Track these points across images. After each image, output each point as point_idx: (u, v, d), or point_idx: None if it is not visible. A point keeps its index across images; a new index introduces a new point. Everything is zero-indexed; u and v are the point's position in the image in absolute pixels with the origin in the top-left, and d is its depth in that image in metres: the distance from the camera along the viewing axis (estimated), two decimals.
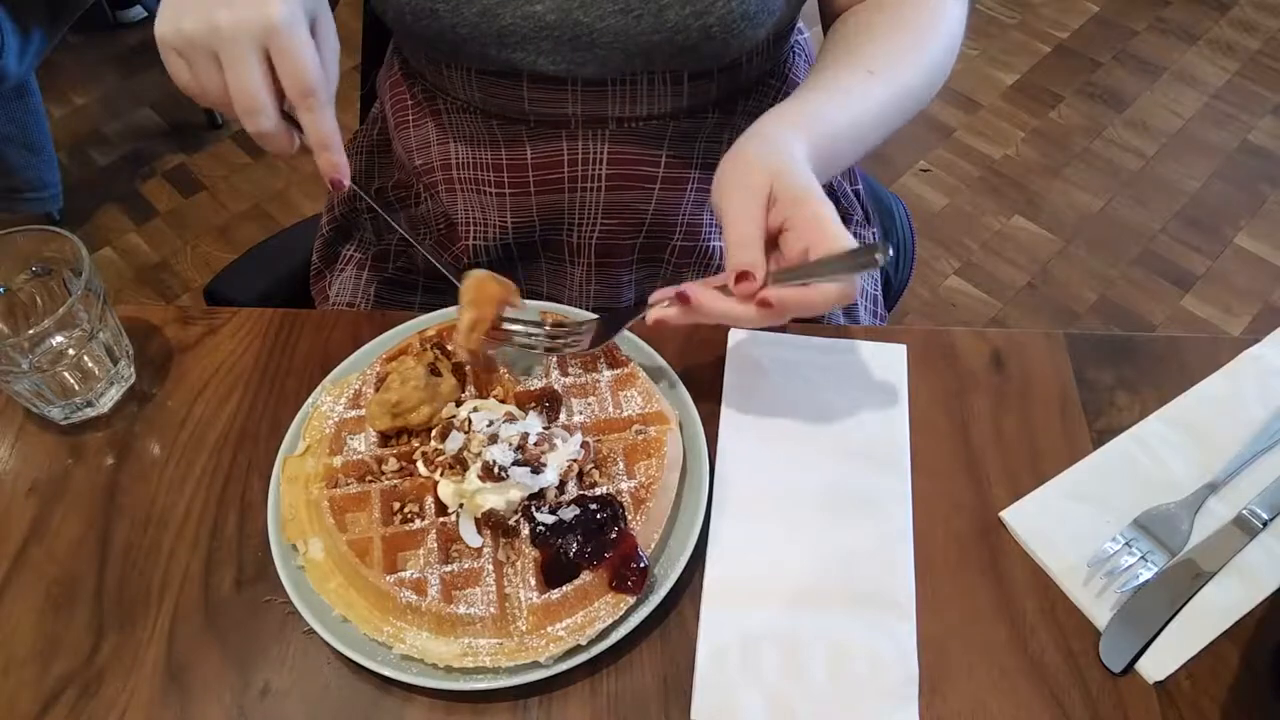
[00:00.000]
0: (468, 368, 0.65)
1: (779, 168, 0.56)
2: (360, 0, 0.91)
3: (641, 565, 0.56)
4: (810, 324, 0.72)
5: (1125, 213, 2.03)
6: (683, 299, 0.57)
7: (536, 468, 0.57)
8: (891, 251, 0.55)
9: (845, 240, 0.53)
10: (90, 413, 0.68)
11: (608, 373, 0.65)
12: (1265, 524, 0.60)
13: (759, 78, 0.79)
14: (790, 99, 0.63)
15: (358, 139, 0.92)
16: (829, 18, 0.75)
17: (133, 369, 0.70)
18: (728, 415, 0.66)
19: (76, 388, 0.66)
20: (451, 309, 0.71)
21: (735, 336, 0.71)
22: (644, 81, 0.73)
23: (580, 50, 0.68)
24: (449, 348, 0.67)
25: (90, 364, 0.66)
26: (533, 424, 0.60)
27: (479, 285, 0.62)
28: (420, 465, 0.60)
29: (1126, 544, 0.59)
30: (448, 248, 0.84)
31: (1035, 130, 2.19)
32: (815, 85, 0.64)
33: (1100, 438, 0.65)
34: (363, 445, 0.62)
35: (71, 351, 0.64)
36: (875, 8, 0.71)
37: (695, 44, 0.67)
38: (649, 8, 0.65)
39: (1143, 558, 0.59)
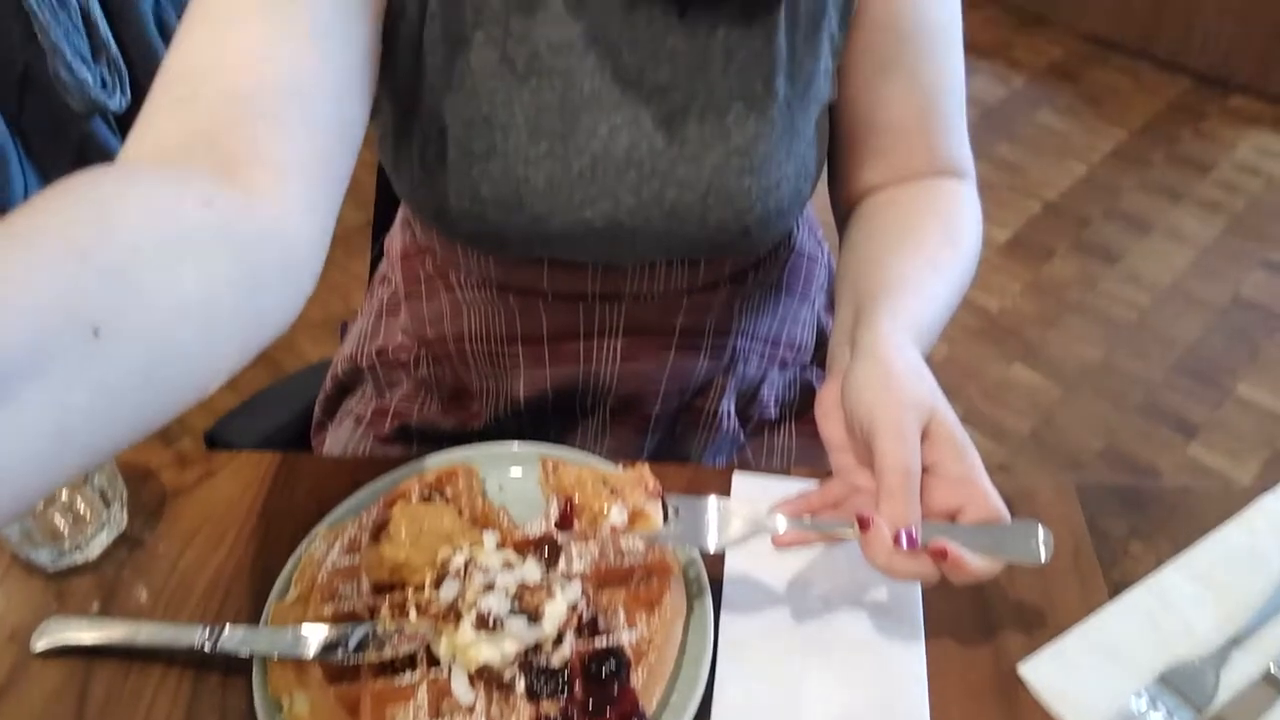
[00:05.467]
0: (464, 512, 0.64)
1: (934, 405, 0.54)
2: (374, 156, 0.94)
3: None
4: (817, 473, 0.71)
5: (1125, 362, 2.04)
6: (864, 524, 0.53)
7: (534, 618, 0.55)
8: (1051, 550, 0.54)
9: (1002, 510, 0.52)
10: (78, 558, 0.66)
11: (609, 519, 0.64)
12: None
13: (769, 251, 0.81)
14: (887, 300, 0.61)
15: (364, 299, 0.94)
16: (847, 200, 0.77)
17: (125, 513, 0.69)
18: (733, 563, 0.64)
19: (65, 532, 0.65)
20: (450, 451, 0.70)
21: (740, 482, 0.70)
22: (662, 264, 0.75)
23: (620, 248, 0.70)
24: (448, 493, 0.66)
25: (82, 507, 0.65)
26: (531, 571, 0.58)
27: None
28: (413, 614, 0.58)
29: (1151, 701, 0.56)
30: (454, 413, 0.84)
31: (1031, 283, 2.23)
32: (898, 286, 0.63)
33: (1116, 588, 0.63)
34: (355, 593, 0.61)
35: (64, 494, 0.64)
36: (908, 195, 0.72)
37: (732, 240, 0.69)
38: (693, 212, 0.67)
39: (1169, 715, 0.56)
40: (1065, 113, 2.75)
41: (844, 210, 0.77)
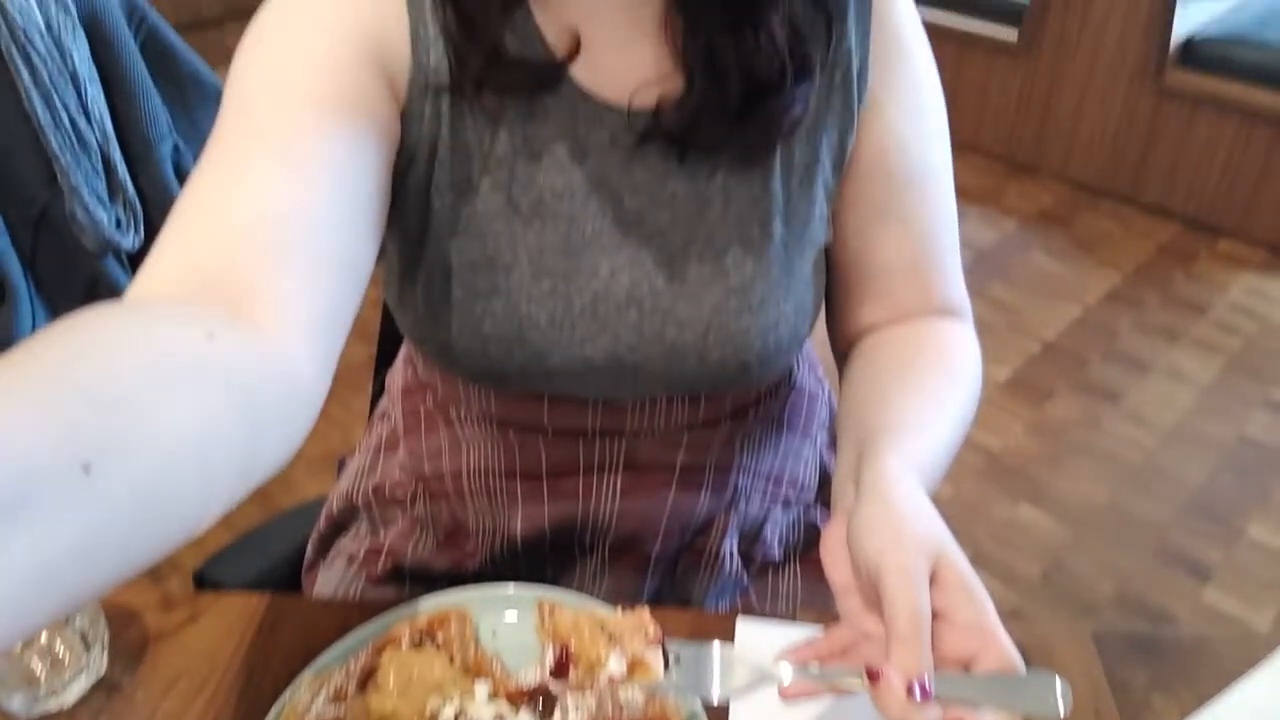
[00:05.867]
0: (455, 659, 0.62)
1: (943, 547, 0.53)
2: (380, 293, 0.95)
3: None
4: (824, 617, 0.69)
5: (1133, 504, 2.01)
6: (873, 676, 0.50)
7: None
8: (1070, 704, 0.51)
9: (1017, 660, 0.50)
10: (53, 704, 0.63)
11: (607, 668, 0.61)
12: None
13: (769, 388, 0.81)
14: (891, 438, 0.60)
15: (363, 435, 0.93)
16: (846, 338, 0.78)
17: (105, 657, 0.66)
18: (738, 715, 0.61)
19: (42, 677, 0.62)
20: (443, 594, 0.68)
21: (744, 628, 0.67)
22: (662, 401, 0.75)
23: (621, 384, 0.71)
24: (440, 639, 0.63)
25: (61, 650, 0.62)
26: None
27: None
28: None
29: None
30: (450, 552, 0.82)
31: (1033, 423, 2.23)
32: (901, 424, 0.62)
33: None
34: None
35: (43, 636, 0.61)
36: (906, 333, 0.73)
37: (732, 377, 0.70)
38: (693, 349, 0.68)
39: None
40: (1058, 256, 2.81)
41: (843, 348, 0.78)
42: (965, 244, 0.77)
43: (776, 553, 0.83)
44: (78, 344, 0.39)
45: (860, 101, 0.69)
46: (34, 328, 1.47)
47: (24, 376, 0.36)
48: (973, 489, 2.05)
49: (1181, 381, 2.35)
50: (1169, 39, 2.74)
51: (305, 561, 0.91)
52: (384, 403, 0.91)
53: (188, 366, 0.41)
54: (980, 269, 2.73)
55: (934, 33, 0.70)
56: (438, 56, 0.63)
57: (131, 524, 0.37)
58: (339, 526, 0.89)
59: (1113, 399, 2.30)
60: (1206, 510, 1.99)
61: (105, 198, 1.30)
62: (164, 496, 0.38)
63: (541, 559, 0.80)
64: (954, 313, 0.75)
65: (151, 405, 0.38)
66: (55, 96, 1.20)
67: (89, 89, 1.24)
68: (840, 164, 0.70)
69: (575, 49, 0.65)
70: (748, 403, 0.79)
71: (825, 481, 0.89)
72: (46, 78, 1.18)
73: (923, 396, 0.66)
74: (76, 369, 0.37)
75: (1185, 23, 2.77)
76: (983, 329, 0.75)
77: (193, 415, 0.40)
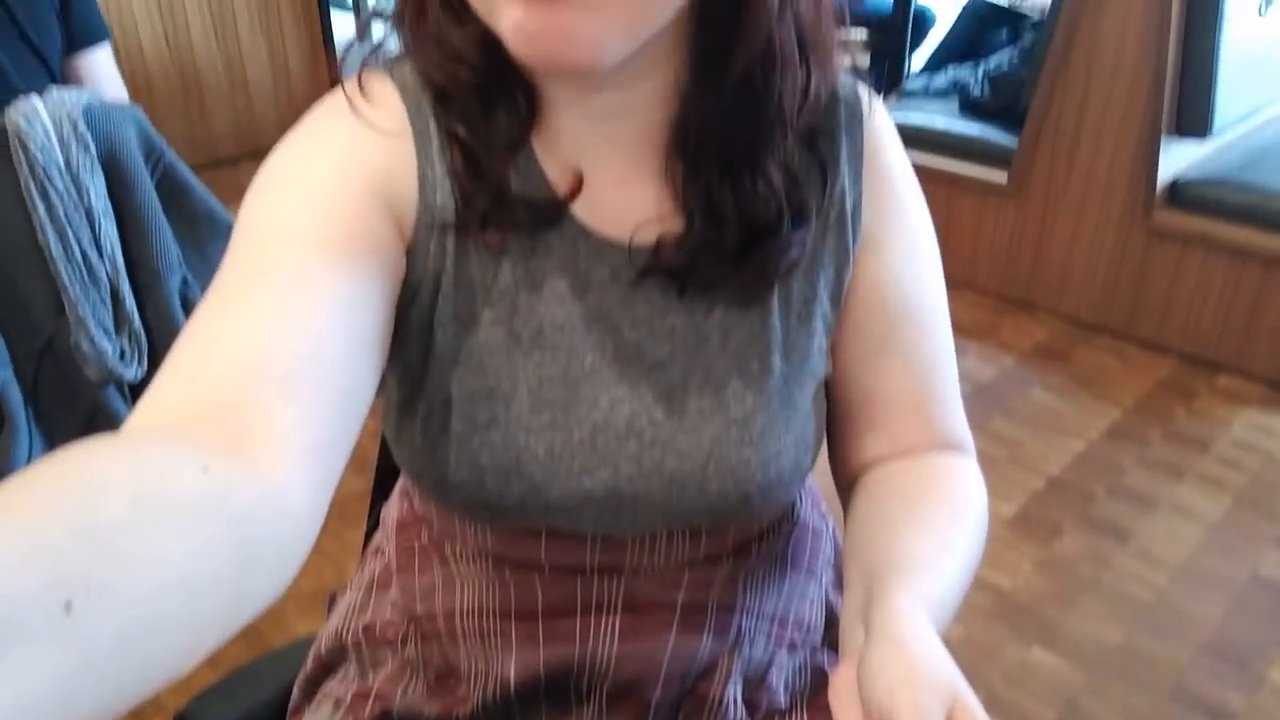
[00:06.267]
0: None
1: (957, 690, 0.51)
2: (378, 425, 0.95)
3: None
4: None
5: (1148, 645, 1.95)
6: None
7: None
8: None
9: None
10: None
11: None
12: None
13: (772, 524, 0.80)
14: (899, 577, 0.59)
15: (356, 571, 0.91)
16: (849, 473, 0.77)
17: None
18: None
19: None
20: None
21: None
22: (663, 536, 0.74)
23: (621, 517, 0.70)
24: None
25: None
26: None
27: None
28: None
29: None
30: (440, 697, 0.79)
31: (1042, 561, 2.19)
32: (909, 562, 0.61)
33: None
34: None
35: None
36: (912, 468, 0.72)
37: (733, 509, 0.69)
38: (693, 481, 0.68)
39: None
40: (1057, 391, 2.82)
41: (846, 483, 0.77)
42: (964, 378, 0.77)
43: (783, 699, 0.80)
44: (69, 478, 0.38)
45: (855, 240, 0.71)
46: (30, 458, 1.46)
47: (12, 512, 0.35)
48: (983, 630, 1.99)
49: (1189, 518, 2.32)
50: (1155, 181, 2.82)
51: (290, 705, 0.88)
52: (378, 537, 0.89)
53: (179, 502, 0.40)
54: (980, 403, 2.74)
55: (926, 175, 0.72)
56: (444, 196, 0.65)
57: (114, 664, 0.35)
58: (327, 668, 0.86)
59: (1121, 536, 2.26)
60: (1224, 652, 1.93)
61: (111, 329, 1.31)
62: (149, 636, 0.37)
63: (536, 705, 0.77)
64: (957, 447, 0.74)
65: (140, 542, 0.37)
66: (69, 231, 1.23)
67: (103, 223, 1.28)
68: (838, 299, 0.71)
69: (577, 187, 0.66)
70: (750, 538, 0.77)
71: (832, 622, 0.86)
72: (62, 213, 1.21)
73: (931, 534, 0.65)
74: (66, 505, 0.36)
75: (1170, 165, 2.86)
76: (986, 464, 0.74)
77: (182, 552, 0.39)
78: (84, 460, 0.40)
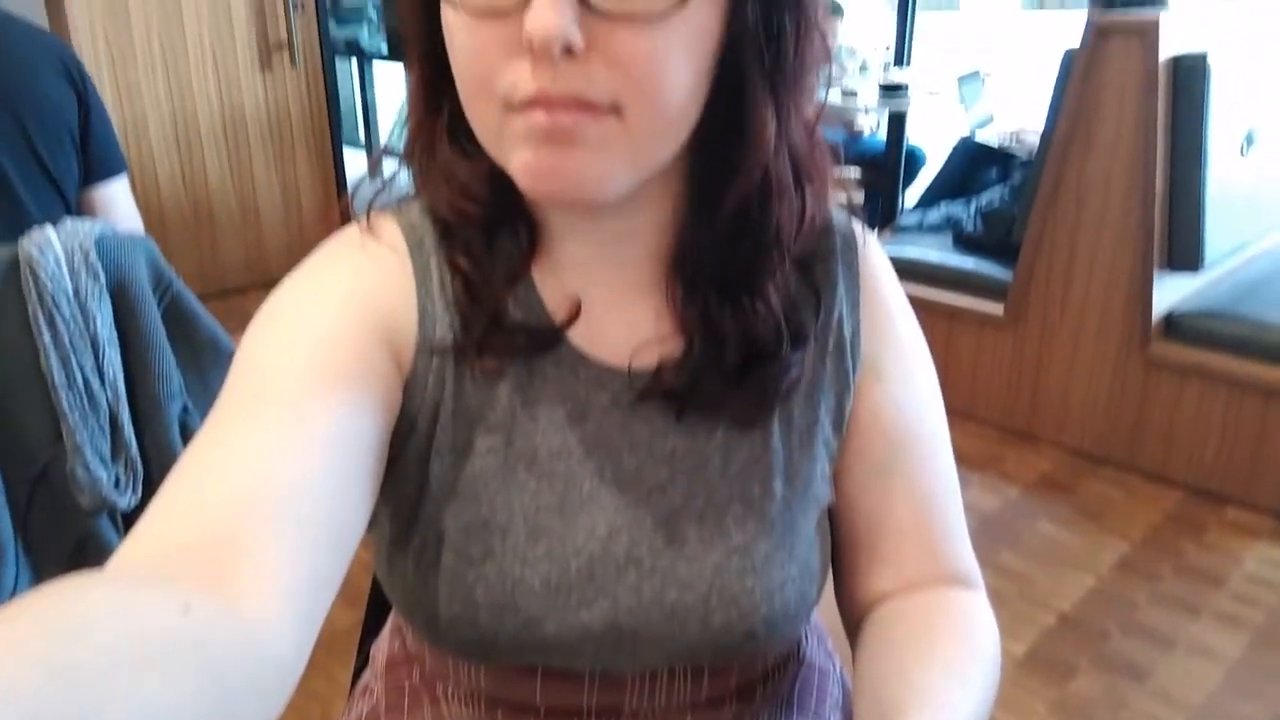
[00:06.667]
0: None
1: None
2: (369, 557, 0.93)
3: None
4: None
5: None
6: None
7: None
8: None
9: None
10: None
11: None
12: None
13: (777, 663, 0.77)
14: (912, 718, 0.57)
15: (343, 713, 0.88)
16: (856, 609, 0.75)
17: None
18: None
19: None
20: None
21: None
22: (664, 675, 0.71)
23: (620, 653, 0.68)
24: None
25: None
26: None
27: None
28: None
29: None
30: None
31: (1056, 703, 2.11)
32: (922, 702, 0.59)
33: None
34: None
35: None
36: (922, 604, 0.70)
37: (737, 644, 0.67)
38: (695, 613, 0.66)
39: None
40: (1064, 523, 2.78)
41: (853, 620, 0.74)
42: (969, 509, 0.76)
43: None
44: (50, 617, 0.38)
45: (856, 367, 0.71)
46: (16, 589, 1.42)
47: None
48: None
49: (1208, 657, 2.24)
50: (1150, 313, 2.86)
51: None
52: (367, 676, 0.86)
53: (160, 644, 0.40)
54: (987, 536, 2.69)
55: (924, 307, 0.73)
56: (443, 330, 0.66)
57: None
58: None
59: (1138, 675, 2.18)
60: None
61: (107, 457, 1.30)
62: None
63: None
64: (965, 582, 0.72)
65: (118, 685, 0.37)
66: (73, 358, 1.24)
67: (107, 350, 1.28)
68: (840, 424, 0.71)
69: (575, 314, 0.67)
70: (755, 679, 0.74)
71: None
72: (67, 340, 1.22)
73: (944, 673, 0.62)
74: (45, 645, 0.36)
75: (1164, 298, 2.90)
76: (996, 599, 0.72)
77: (160, 695, 0.38)
78: (66, 599, 0.40)
